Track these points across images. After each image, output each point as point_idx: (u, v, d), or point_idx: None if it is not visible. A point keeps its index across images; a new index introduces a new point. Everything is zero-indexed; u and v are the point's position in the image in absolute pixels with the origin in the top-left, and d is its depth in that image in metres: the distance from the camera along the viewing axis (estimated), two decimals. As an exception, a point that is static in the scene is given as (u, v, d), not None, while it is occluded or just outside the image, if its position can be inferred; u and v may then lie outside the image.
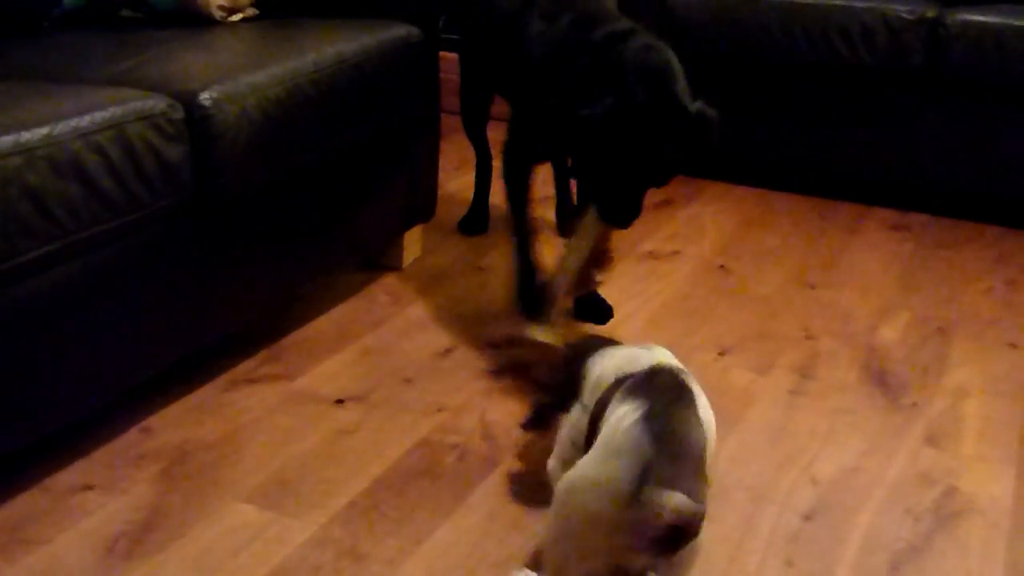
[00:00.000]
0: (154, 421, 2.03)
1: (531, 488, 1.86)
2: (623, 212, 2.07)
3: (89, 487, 1.83)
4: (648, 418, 1.41)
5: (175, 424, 2.03)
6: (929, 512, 1.85)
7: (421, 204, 2.72)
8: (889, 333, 2.51)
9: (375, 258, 2.74)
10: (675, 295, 2.68)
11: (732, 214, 3.25)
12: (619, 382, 1.57)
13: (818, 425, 2.11)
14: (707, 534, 1.43)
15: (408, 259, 2.78)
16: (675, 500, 1.33)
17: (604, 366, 1.69)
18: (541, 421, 1.85)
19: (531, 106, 2.28)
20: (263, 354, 2.30)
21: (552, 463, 1.73)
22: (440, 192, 2.85)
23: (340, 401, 2.13)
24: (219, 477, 1.87)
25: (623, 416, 1.44)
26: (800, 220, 3.22)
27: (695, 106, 2.02)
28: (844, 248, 3.01)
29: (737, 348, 2.41)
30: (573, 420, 1.69)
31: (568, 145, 2.12)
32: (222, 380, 2.19)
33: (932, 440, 2.07)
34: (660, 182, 2.08)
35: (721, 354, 2.38)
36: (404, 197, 2.64)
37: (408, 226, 2.72)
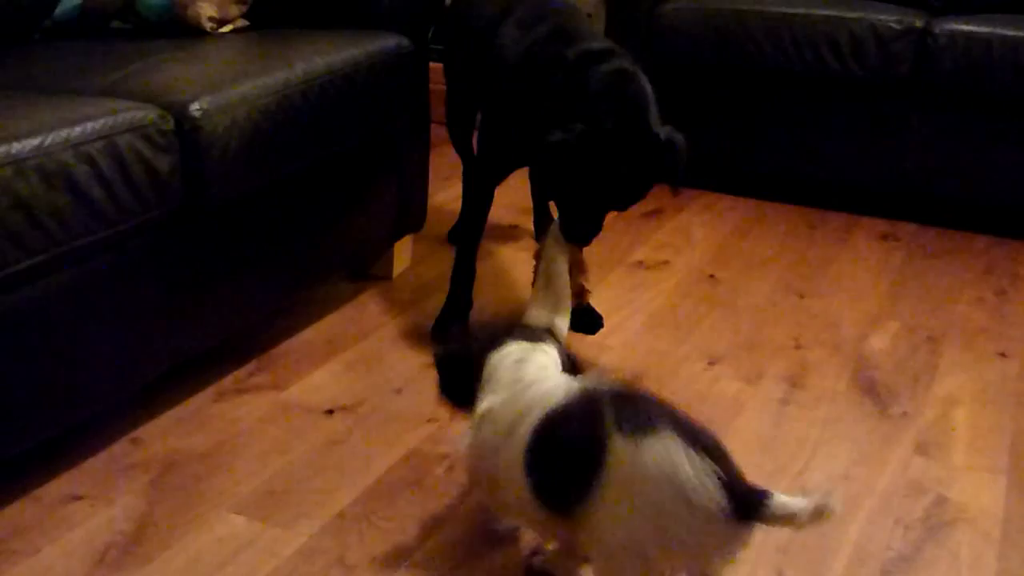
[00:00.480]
0: (144, 431, 2.03)
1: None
2: (583, 230, 2.08)
3: (78, 497, 1.83)
4: (688, 441, 1.41)
5: (165, 434, 2.02)
6: (919, 522, 1.86)
7: (411, 214, 2.72)
8: (879, 342, 2.52)
9: (365, 268, 2.74)
10: (664, 305, 2.68)
11: (721, 224, 3.25)
12: (587, 402, 1.53)
13: (808, 434, 2.11)
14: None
15: (398, 269, 2.78)
16: (776, 499, 1.39)
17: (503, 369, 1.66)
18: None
19: (502, 118, 2.29)
20: (253, 364, 2.29)
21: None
22: (430, 202, 2.84)
23: (330, 411, 2.13)
24: (209, 487, 1.87)
25: (667, 452, 1.41)
26: (789, 230, 3.22)
27: (664, 132, 2.02)
28: (833, 258, 3.02)
29: (727, 357, 2.41)
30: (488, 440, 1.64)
31: (535, 166, 2.14)
32: (212, 390, 2.18)
33: (922, 449, 2.08)
34: (624, 207, 2.09)
35: (711, 363, 2.38)
36: (394, 207, 2.63)
37: (398, 236, 2.72)
